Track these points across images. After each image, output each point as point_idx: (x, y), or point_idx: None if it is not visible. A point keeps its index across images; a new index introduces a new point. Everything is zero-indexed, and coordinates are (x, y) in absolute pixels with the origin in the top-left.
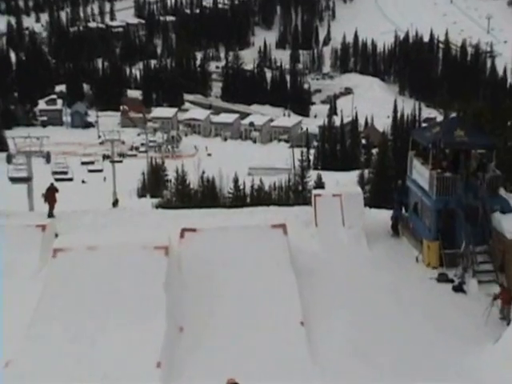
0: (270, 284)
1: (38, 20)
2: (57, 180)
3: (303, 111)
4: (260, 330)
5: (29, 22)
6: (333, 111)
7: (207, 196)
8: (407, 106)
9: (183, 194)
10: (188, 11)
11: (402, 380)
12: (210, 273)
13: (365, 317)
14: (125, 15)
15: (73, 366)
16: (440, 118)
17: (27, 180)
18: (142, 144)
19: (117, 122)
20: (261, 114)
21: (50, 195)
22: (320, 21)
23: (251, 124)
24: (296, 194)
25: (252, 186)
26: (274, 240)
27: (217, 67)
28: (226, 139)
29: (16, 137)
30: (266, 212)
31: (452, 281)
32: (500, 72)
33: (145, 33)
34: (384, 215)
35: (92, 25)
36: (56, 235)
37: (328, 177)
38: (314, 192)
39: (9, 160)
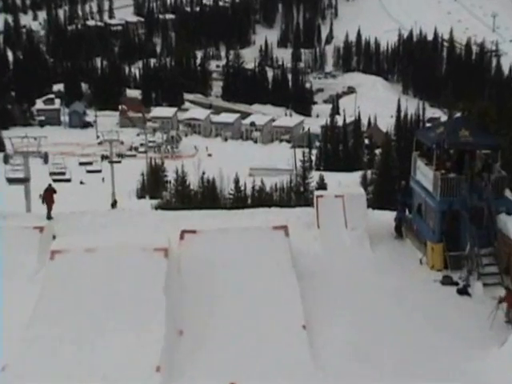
0: (271, 287)
1: (35, 18)
2: (54, 181)
3: (305, 111)
4: (261, 333)
5: (26, 20)
6: (335, 111)
7: (207, 197)
8: (411, 105)
9: (183, 194)
10: (188, 9)
11: None
12: (210, 275)
13: (368, 320)
14: (124, 13)
15: (71, 370)
16: (444, 118)
17: (24, 181)
18: (142, 144)
19: (115, 121)
20: (262, 114)
21: (48, 196)
22: (322, 19)
23: (252, 124)
24: (298, 195)
25: (253, 187)
26: (276, 242)
27: (217, 66)
28: (226, 139)
29: (13, 137)
30: (268, 213)
31: (456, 283)
32: (505, 71)
33: (144, 31)
34: (387, 217)
35: (90, 23)
36: (54, 237)
37: (330, 177)
38: (316, 193)
39: (6, 160)
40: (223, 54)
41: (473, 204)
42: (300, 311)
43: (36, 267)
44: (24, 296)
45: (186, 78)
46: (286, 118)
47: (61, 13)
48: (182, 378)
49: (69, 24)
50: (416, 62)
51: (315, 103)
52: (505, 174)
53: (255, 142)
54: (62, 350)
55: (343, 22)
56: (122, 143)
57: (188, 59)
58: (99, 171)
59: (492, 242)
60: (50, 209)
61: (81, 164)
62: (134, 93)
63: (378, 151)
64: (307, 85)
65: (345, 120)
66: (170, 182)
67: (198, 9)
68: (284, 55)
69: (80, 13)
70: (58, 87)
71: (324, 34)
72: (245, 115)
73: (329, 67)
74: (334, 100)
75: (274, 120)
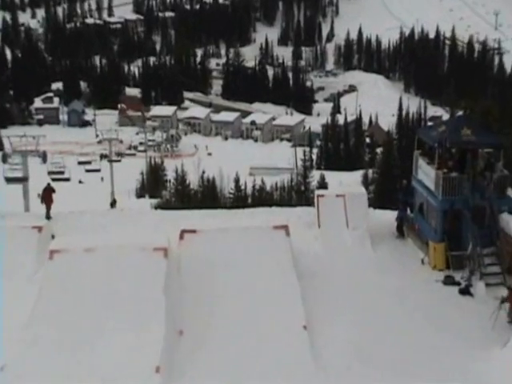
0: (271, 287)
1: (33, 16)
2: (53, 180)
3: (306, 109)
4: (262, 334)
5: (24, 17)
6: (336, 109)
7: (207, 196)
8: (412, 104)
9: (183, 194)
10: (188, 7)
11: None
12: (210, 275)
13: (369, 320)
14: (123, 11)
15: (70, 370)
16: (446, 117)
17: (23, 180)
18: (141, 143)
19: (115, 120)
20: (262, 113)
21: (47, 196)
22: (323, 17)
23: (252, 123)
24: (298, 195)
25: (253, 187)
26: (276, 242)
27: (217, 64)
28: (226, 138)
29: (11, 136)
30: (268, 213)
31: (458, 283)
32: (508, 69)
33: (143, 29)
34: (389, 216)
35: (89, 21)
36: (52, 236)
37: (331, 177)
38: (317, 192)
39: (4, 160)
40: (223, 52)
41: (475, 203)
42: (301, 311)
43: (34, 267)
44: (23, 296)
45: (186, 76)
46: (286, 117)
47: (59, 11)
48: (181, 378)
49: (67, 22)
50: (418, 60)
51: (316, 102)
52: (507, 173)
53: (255, 140)
54: (61, 350)
55: (344, 20)
56: (121, 142)
57: (188, 57)
58: (98, 170)
59: (494, 241)
60: (48, 208)
61: (80, 163)
62: (133, 91)
63: (379, 150)
64: (308, 83)
65: (346, 119)
66: (170, 182)
67: (197, 6)
68: (284, 53)
69: (79, 11)
70: (57, 86)
71: (325, 31)
72: (245, 114)
73: (330, 65)
74: (335, 98)
75: (274, 119)
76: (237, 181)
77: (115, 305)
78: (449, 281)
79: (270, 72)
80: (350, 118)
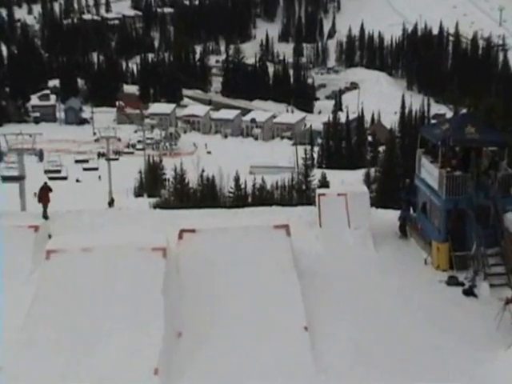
0: (272, 287)
1: (30, 12)
2: (50, 179)
3: (307, 107)
4: (262, 335)
5: (20, 13)
6: (338, 107)
7: (207, 195)
8: (415, 101)
9: (182, 193)
10: (187, 2)
11: None
12: (210, 275)
13: (371, 321)
14: (121, 7)
15: (67, 373)
16: (450, 115)
17: (19, 179)
18: (139, 141)
19: (113, 118)
20: (263, 110)
21: (44, 195)
22: (325, 13)
23: (253, 120)
24: (299, 194)
25: (253, 185)
26: (277, 241)
27: (217, 61)
28: (226, 136)
29: (7, 134)
30: (268, 212)
31: (462, 284)
32: None
33: (142, 25)
34: (391, 216)
35: (87, 17)
36: (49, 236)
37: (333, 175)
38: (318, 191)
39: (0, 158)
40: (223, 48)
41: (479, 202)
42: (301, 312)
43: (31, 267)
44: (19, 297)
45: (185, 73)
46: (287, 115)
47: (56, 6)
48: (180, 380)
49: (64, 18)
50: (421, 56)
51: (317, 99)
52: None
53: (256, 139)
54: (58, 352)
55: (346, 16)
56: (119, 140)
57: (187, 54)
58: (96, 169)
59: (499, 241)
60: (45, 208)
61: (77, 161)
62: (131, 88)
63: (381, 148)
64: (309, 80)
65: (348, 116)
66: (169, 180)
67: (197, 2)
68: (285, 50)
69: (76, 6)
70: (54, 83)
71: (326, 28)
72: (245, 111)
73: (331, 62)
74: (337, 96)
75: (275, 116)
76: (237, 180)
77: (113, 306)
78: (452, 281)
79: (271, 69)
80: (351, 116)
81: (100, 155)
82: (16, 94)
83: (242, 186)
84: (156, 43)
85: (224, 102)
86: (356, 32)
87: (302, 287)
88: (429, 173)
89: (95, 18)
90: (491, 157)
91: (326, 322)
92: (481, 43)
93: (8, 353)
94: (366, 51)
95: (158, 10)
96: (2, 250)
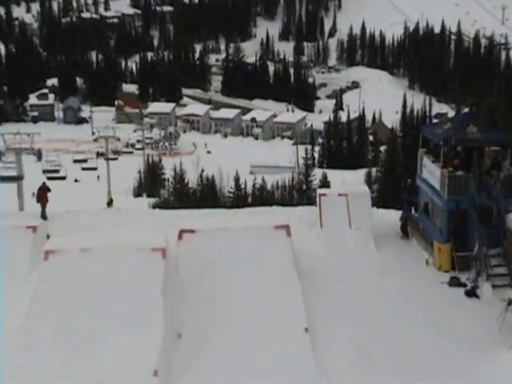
0: (272, 288)
1: (28, 10)
2: (48, 179)
3: (308, 106)
4: (262, 336)
5: (19, 12)
6: (339, 106)
7: (206, 195)
8: (417, 100)
9: (181, 193)
10: (186, 1)
11: None
12: (210, 276)
13: (372, 323)
14: (120, 5)
15: (65, 374)
16: (452, 114)
17: (17, 179)
18: (138, 141)
19: (111, 117)
20: (263, 110)
21: (42, 195)
22: (325, 11)
23: (253, 120)
24: (300, 194)
25: (254, 185)
26: (277, 242)
27: (217, 60)
28: (226, 136)
29: (5, 133)
30: (269, 212)
31: (464, 285)
32: None
33: (141, 24)
34: (392, 216)
35: (85, 15)
36: (48, 236)
37: (334, 175)
38: (319, 191)
39: None
40: (223, 47)
41: (481, 203)
42: (302, 313)
43: (29, 268)
44: (17, 298)
45: (185, 72)
46: (287, 114)
47: (55, 5)
48: (180, 381)
49: (63, 16)
50: (422, 55)
51: (318, 98)
52: None
53: (256, 138)
54: (57, 353)
55: (347, 15)
56: (118, 140)
57: (186, 53)
58: (95, 169)
59: (501, 242)
60: (44, 208)
61: (75, 161)
62: (130, 87)
63: (382, 148)
64: (310, 79)
65: (349, 116)
66: (168, 180)
67: (196, 0)
68: (286, 49)
69: (74, 5)
70: (52, 82)
71: (327, 26)
72: (245, 111)
73: (332, 61)
74: (338, 95)
75: (275, 116)
76: (237, 179)
77: (112, 307)
78: (454, 282)
79: (271, 68)
80: (352, 115)
81: (99, 155)
82: (14, 92)
83: (242, 186)
84: (155, 42)
85: (224, 102)
86: (357, 30)
87: (303, 288)
88: (430, 173)
89: (94, 16)
90: (493, 156)
91: (327, 322)
92: (483, 42)
93: (6, 354)
94: (367, 50)
95: (158, 8)
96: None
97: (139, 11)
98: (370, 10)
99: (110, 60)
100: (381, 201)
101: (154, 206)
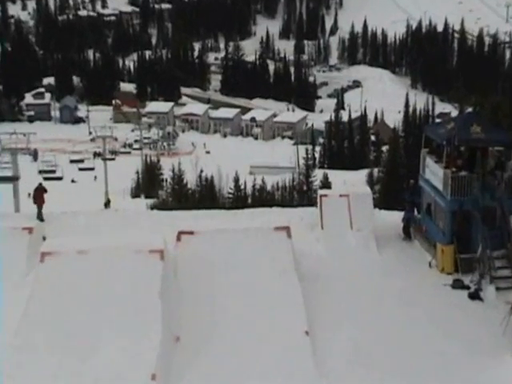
0: (272, 290)
1: (24, 8)
2: (45, 179)
3: (308, 106)
4: (262, 339)
5: (14, 9)
6: (340, 106)
7: (205, 196)
8: (420, 100)
9: (180, 194)
10: None
11: None
12: (209, 278)
13: (374, 326)
14: (117, 3)
15: (62, 379)
16: (455, 113)
17: (13, 179)
18: (136, 141)
19: (109, 117)
20: (263, 109)
21: (38, 196)
22: (326, 9)
23: (253, 119)
24: (300, 195)
25: (253, 186)
26: (277, 243)
27: (216, 59)
28: (225, 136)
29: (1, 133)
30: (269, 213)
31: (468, 287)
32: None
33: (139, 22)
34: (395, 217)
35: (82, 13)
36: (44, 238)
37: (335, 176)
38: (320, 192)
39: None
40: (222, 45)
41: (485, 204)
42: (303, 316)
43: (25, 270)
44: (12, 300)
45: (183, 71)
46: (288, 114)
47: (51, 2)
48: None
49: (59, 14)
50: (425, 54)
51: (319, 98)
52: None
53: (256, 138)
54: (53, 356)
55: (348, 12)
56: (115, 140)
57: (185, 51)
58: (92, 169)
59: (505, 243)
60: (40, 209)
61: (72, 161)
62: (128, 86)
63: (385, 148)
64: (310, 78)
65: (350, 115)
66: (167, 181)
67: None
68: (286, 47)
69: (71, 2)
70: (49, 81)
71: (328, 24)
72: (245, 110)
73: (333, 60)
74: (339, 94)
75: (275, 115)
76: (236, 180)
77: (109, 310)
78: (457, 285)
79: (271, 67)
80: (354, 115)
81: (96, 155)
82: (10, 92)
83: (242, 187)
84: (153, 40)
85: (223, 101)
86: (359, 29)
87: (303, 290)
88: (433, 173)
89: (91, 14)
90: (497, 157)
91: (328, 325)
92: (487, 40)
93: (2, 357)
94: (368, 48)
95: (156, 6)
96: None
97: (137, 9)
98: (372, 8)
99: (107, 58)
100: (383, 202)
101: (152, 207)
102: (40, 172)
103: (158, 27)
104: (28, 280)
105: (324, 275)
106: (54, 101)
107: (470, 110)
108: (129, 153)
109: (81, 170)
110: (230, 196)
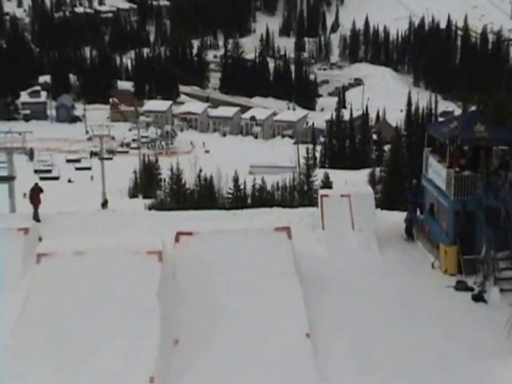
0: (272, 292)
1: (20, 5)
2: (41, 179)
3: (309, 104)
4: (262, 342)
5: (10, 6)
6: (341, 104)
7: (204, 196)
8: (422, 98)
9: (178, 194)
10: None
11: None
12: (208, 280)
13: (375, 328)
14: None
15: (58, 380)
16: (458, 112)
17: (9, 179)
18: (134, 140)
19: (106, 115)
20: (263, 108)
21: (34, 196)
22: (327, 5)
23: (252, 118)
24: (301, 195)
25: (253, 186)
26: (277, 244)
27: (215, 56)
28: (224, 135)
29: None
30: (269, 214)
31: (471, 289)
32: None
33: (137, 19)
34: (397, 217)
35: (79, 10)
36: (40, 239)
37: (336, 176)
38: (321, 192)
39: None
40: (221, 43)
41: (489, 204)
42: (303, 318)
43: (21, 272)
44: (8, 302)
45: (182, 69)
46: (288, 112)
47: None
48: None
49: (56, 11)
50: (428, 51)
51: (320, 96)
52: None
53: (255, 137)
54: (49, 359)
55: (350, 9)
56: (112, 139)
57: (184, 49)
58: (89, 169)
59: (509, 244)
60: (36, 209)
61: (69, 161)
62: (125, 85)
63: (386, 147)
64: (311, 76)
65: (351, 114)
66: (165, 181)
67: None
68: (286, 44)
69: None
70: (45, 79)
71: (329, 21)
72: (244, 109)
73: (334, 57)
74: (340, 93)
75: (275, 114)
76: (236, 180)
77: (107, 311)
78: (461, 286)
79: (271, 64)
80: (355, 114)
81: (93, 154)
82: (5, 90)
83: (242, 187)
84: (151, 37)
85: (222, 99)
86: (360, 26)
87: (304, 292)
88: (436, 173)
89: (88, 10)
90: (501, 156)
91: (329, 328)
92: (490, 37)
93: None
94: (370, 46)
95: (154, 2)
96: None
97: (135, 6)
98: (374, 5)
99: (104, 56)
100: (385, 202)
101: (150, 208)
102: (36, 172)
103: (156, 24)
104: (24, 282)
105: (325, 276)
106: (51, 99)
107: (473, 108)
108: (126, 152)
109: (77, 169)
110: (230, 196)
